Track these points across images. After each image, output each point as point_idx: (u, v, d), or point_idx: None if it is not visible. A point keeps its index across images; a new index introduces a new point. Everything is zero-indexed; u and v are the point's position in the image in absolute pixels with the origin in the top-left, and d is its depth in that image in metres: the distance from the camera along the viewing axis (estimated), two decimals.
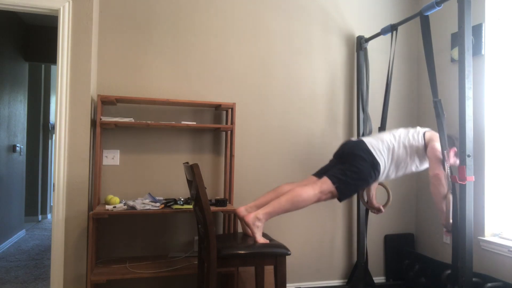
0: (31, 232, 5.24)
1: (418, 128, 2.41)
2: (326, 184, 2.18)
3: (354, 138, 2.43)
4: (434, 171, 2.21)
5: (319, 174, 2.40)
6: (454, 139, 2.41)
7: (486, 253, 2.61)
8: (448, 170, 2.17)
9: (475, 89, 2.71)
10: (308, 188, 2.16)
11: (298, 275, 3.07)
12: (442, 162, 2.19)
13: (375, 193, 2.72)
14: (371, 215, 3.19)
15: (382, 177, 2.34)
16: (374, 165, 2.24)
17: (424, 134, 2.34)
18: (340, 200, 2.23)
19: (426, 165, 2.39)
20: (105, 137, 2.70)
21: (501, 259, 2.51)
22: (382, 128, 2.85)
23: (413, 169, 2.39)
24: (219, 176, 2.91)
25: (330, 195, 2.20)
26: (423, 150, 2.32)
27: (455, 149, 2.37)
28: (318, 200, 2.18)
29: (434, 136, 2.30)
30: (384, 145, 2.30)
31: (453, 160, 2.39)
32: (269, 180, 3.01)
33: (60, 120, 2.45)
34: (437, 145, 2.23)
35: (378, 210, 2.68)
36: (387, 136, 2.37)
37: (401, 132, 2.39)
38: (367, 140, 2.34)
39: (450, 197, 2.18)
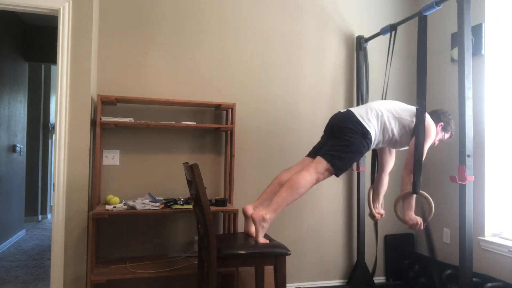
0: (31, 232, 5.24)
1: (413, 107, 2.35)
2: (320, 163, 2.17)
3: (343, 110, 2.40)
4: (403, 170, 2.31)
5: (313, 154, 2.37)
6: (440, 114, 2.41)
7: (486, 253, 2.61)
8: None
9: (475, 89, 2.71)
10: (304, 172, 2.14)
11: (298, 275, 3.07)
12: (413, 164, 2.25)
13: (382, 199, 2.64)
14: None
15: (374, 145, 2.32)
16: (364, 134, 2.22)
17: (416, 116, 2.29)
18: (337, 175, 2.22)
19: (405, 147, 2.41)
20: (105, 137, 2.70)
21: (501, 259, 2.51)
22: None
23: (404, 134, 2.33)
24: (219, 176, 2.91)
25: (328, 173, 2.19)
26: (410, 133, 2.30)
27: (442, 123, 2.40)
28: (318, 181, 2.18)
29: (427, 129, 2.27)
30: (372, 113, 2.28)
31: (441, 135, 2.41)
32: (269, 180, 3.00)
33: (60, 120, 2.45)
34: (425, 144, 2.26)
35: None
36: (376, 104, 2.34)
37: (394, 104, 2.36)
38: (356, 110, 2.31)
39: (412, 196, 2.27)
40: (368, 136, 2.23)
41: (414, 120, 2.28)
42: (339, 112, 2.37)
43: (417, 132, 2.24)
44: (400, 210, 2.42)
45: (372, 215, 2.63)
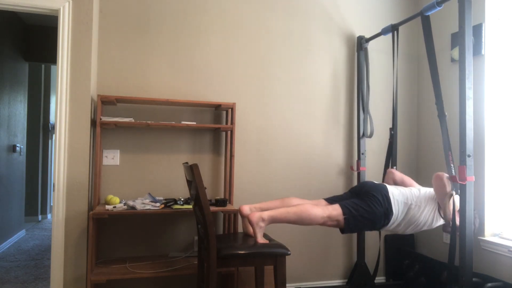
0: (31, 232, 5.24)
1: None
2: (336, 211, 2.19)
3: (377, 182, 2.43)
4: (436, 173, 2.25)
5: (331, 200, 2.42)
6: None
7: (486, 253, 2.61)
8: (453, 172, 2.18)
9: (475, 89, 2.71)
10: (318, 208, 2.16)
11: (298, 275, 3.07)
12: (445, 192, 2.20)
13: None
14: None
15: (390, 227, 2.32)
16: (387, 212, 2.24)
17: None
18: (342, 232, 2.25)
19: (440, 222, 2.36)
20: (105, 137, 2.70)
21: (501, 259, 2.51)
22: (394, 129, 2.83)
23: (425, 228, 2.34)
24: (219, 176, 2.91)
25: (336, 223, 2.21)
26: (436, 211, 2.30)
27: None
28: (323, 224, 2.19)
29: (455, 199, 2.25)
30: (403, 198, 2.29)
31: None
32: (269, 180, 3.01)
33: (60, 120, 2.45)
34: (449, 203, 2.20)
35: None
36: (408, 191, 2.35)
37: (421, 189, 2.37)
38: (390, 187, 2.33)
39: (453, 197, 2.18)
40: (388, 216, 2.24)
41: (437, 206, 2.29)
42: (373, 181, 2.42)
43: (442, 132, 2.22)
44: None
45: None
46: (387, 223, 2.26)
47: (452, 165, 2.19)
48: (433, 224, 2.35)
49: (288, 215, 2.12)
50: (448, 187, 2.20)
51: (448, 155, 2.20)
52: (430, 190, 2.38)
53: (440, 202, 2.23)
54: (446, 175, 2.22)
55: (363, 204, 2.23)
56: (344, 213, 2.18)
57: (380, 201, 2.23)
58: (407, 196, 2.31)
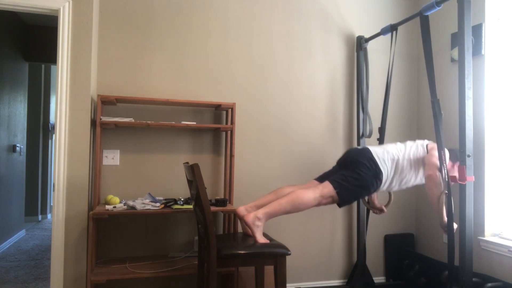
0: (31, 232, 5.24)
1: (422, 140, 2.40)
2: (327, 188, 2.19)
3: (359, 146, 2.43)
4: (428, 171, 2.23)
5: (321, 178, 2.41)
6: (458, 153, 2.39)
7: (486, 253, 2.61)
8: (445, 171, 2.17)
9: (475, 89, 2.71)
10: (309, 191, 2.16)
11: (298, 275, 3.07)
12: (438, 166, 2.20)
13: (376, 194, 2.71)
14: (371, 214, 3.19)
15: (383, 187, 2.33)
16: (376, 173, 2.24)
17: (427, 145, 2.34)
18: (340, 205, 2.25)
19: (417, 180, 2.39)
20: (105, 137, 2.70)
21: (501, 259, 2.51)
22: (382, 128, 2.85)
23: (417, 181, 2.38)
24: (219, 176, 2.91)
25: (331, 199, 2.20)
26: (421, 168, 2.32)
27: (458, 163, 2.34)
28: (319, 204, 2.19)
29: (435, 145, 2.29)
30: (389, 155, 2.30)
31: (455, 173, 2.36)
32: (269, 180, 3.01)
33: (60, 120, 2.45)
34: (436, 153, 2.23)
35: (380, 211, 2.66)
36: (392, 147, 2.36)
37: (407, 145, 2.38)
38: (372, 148, 2.33)
39: (444, 197, 2.18)
40: (379, 177, 2.25)
41: (425, 152, 2.31)
42: (356, 147, 2.41)
43: (436, 133, 2.23)
44: (369, 198, 2.50)
45: (373, 206, 2.68)
46: (380, 184, 2.27)
47: (444, 165, 2.19)
48: (421, 179, 2.36)
49: (281, 206, 2.11)
50: (441, 187, 2.20)
51: (441, 155, 2.20)
52: (416, 143, 2.38)
53: (434, 202, 2.24)
54: (439, 174, 2.22)
55: (351, 174, 2.23)
56: (335, 188, 2.18)
57: (367, 165, 2.23)
58: (392, 152, 2.31)
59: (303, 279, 3.08)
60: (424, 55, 2.36)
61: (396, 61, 3.33)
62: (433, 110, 2.27)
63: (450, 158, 2.34)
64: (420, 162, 2.32)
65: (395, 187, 2.37)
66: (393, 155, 2.30)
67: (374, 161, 2.25)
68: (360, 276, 3.03)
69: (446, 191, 2.18)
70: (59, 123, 2.45)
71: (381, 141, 2.89)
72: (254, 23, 3.01)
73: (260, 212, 2.09)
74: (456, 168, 2.36)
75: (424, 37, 2.37)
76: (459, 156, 2.28)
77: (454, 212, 2.95)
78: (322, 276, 3.12)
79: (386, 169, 2.27)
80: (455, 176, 2.16)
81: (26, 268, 3.60)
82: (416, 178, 2.36)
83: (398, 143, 2.42)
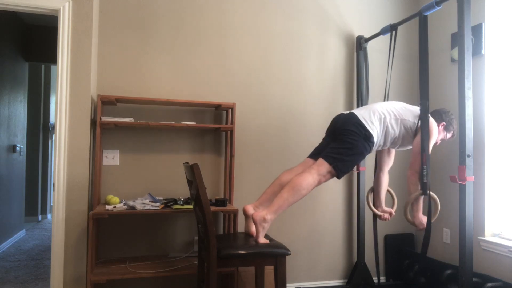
0: (31, 232, 5.24)
1: (417, 107, 2.36)
2: (322, 165, 2.17)
3: (345, 111, 2.40)
4: (409, 171, 2.28)
5: (314, 155, 2.37)
6: (442, 113, 2.41)
7: (486, 253, 2.61)
8: (425, 172, 2.21)
9: (475, 89, 2.71)
10: (306, 174, 2.14)
11: (298, 275, 3.07)
12: (420, 161, 2.22)
13: (384, 198, 2.67)
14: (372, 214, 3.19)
15: (378, 148, 2.33)
16: (367, 137, 2.22)
17: (419, 120, 2.30)
18: (338, 177, 2.23)
19: (408, 146, 2.41)
20: (105, 137, 2.70)
21: (501, 259, 2.51)
22: None
23: (410, 140, 2.36)
24: (219, 176, 2.91)
25: (329, 175, 2.19)
26: (412, 134, 2.31)
27: (444, 123, 2.39)
28: (319, 183, 2.18)
29: (430, 128, 2.27)
30: (375, 115, 2.27)
31: (443, 134, 2.41)
32: (269, 180, 3.00)
33: (60, 120, 2.45)
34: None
35: (390, 214, 2.61)
36: (379, 106, 2.34)
37: (396, 105, 2.35)
38: (358, 112, 2.30)
39: (414, 196, 2.24)
40: (370, 139, 2.23)
41: (417, 121, 2.29)
42: (341, 114, 2.37)
43: (422, 132, 2.23)
44: (410, 213, 2.39)
45: (377, 216, 2.64)
46: (373, 146, 2.26)
47: (424, 166, 2.21)
48: (406, 145, 2.38)
49: (285, 200, 2.10)
50: (418, 187, 2.24)
51: (423, 156, 2.21)
52: (407, 107, 2.36)
53: (408, 197, 2.28)
54: (415, 178, 2.25)
55: (342, 144, 2.21)
56: (330, 163, 2.17)
57: (355, 131, 2.21)
58: (379, 111, 2.29)
59: (303, 279, 3.08)
60: (419, 55, 2.37)
61: (396, 61, 3.33)
62: (420, 112, 2.27)
63: (436, 120, 2.34)
64: (408, 128, 2.31)
65: (388, 145, 2.36)
66: (379, 114, 2.28)
67: (362, 125, 2.23)
68: (360, 276, 3.03)
69: (421, 192, 2.23)
70: (59, 123, 2.45)
71: None
72: (254, 23, 3.01)
73: (268, 214, 2.08)
74: (441, 128, 2.38)
75: (422, 37, 2.36)
76: (443, 117, 2.34)
77: (454, 211, 2.94)
78: (322, 276, 3.12)
79: (375, 130, 2.25)
80: (455, 176, 2.16)
81: (26, 268, 3.60)
82: (411, 129, 2.31)
83: (388, 102, 2.39)
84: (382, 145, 2.35)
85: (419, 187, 2.25)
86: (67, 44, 2.47)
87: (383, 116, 2.28)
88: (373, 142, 2.24)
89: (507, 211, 2.63)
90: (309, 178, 2.13)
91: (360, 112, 2.30)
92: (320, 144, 2.44)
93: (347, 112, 2.35)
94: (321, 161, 2.19)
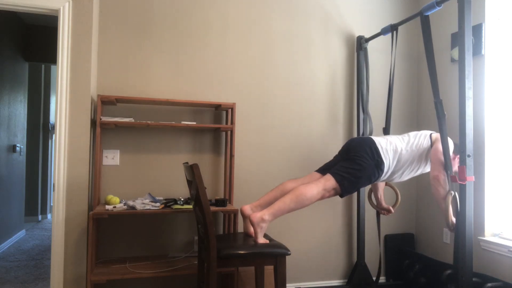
0: (31, 232, 5.24)
1: (426, 131, 2.41)
2: (329, 181, 2.19)
3: (363, 136, 2.42)
4: (434, 172, 2.22)
5: (323, 170, 2.40)
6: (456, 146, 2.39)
7: (486, 253, 2.61)
8: (450, 170, 2.17)
9: (475, 89, 2.71)
10: (312, 186, 2.16)
11: (298, 275, 3.07)
12: (443, 164, 2.19)
13: (383, 194, 2.70)
14: (372, 214, 3.19)
15: (384, 177, 2.34)
16: (378, 163, 2.24)
17: (430, 135, 2.34)
18: (341, 196, 2.25)
19: (421, 169, 2.41)
20: (105, 137, 2.70)
21: (501, 259, 2.51)
22: (386, 128, 2.83)
23: (418, 172, 2.39)
24: (219, 176, 2.91)
25: (334, 192, 2.21)
26: (429, 152, 2.32)
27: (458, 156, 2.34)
28: (322, 198, 2.19)
29: (439, 137, 2.29)
30: (391, 146, 2.30)
31: (456, 166, 2.37)
32: (269, 180, 3.01)
33: (60, 120, 2.45)
34: (440, 147, 2.22)
35: (388, 211, 2.66)
36: (395, 138, 2.37)
37: (411, 136, 2.38)
38: (376, 138, 2.34)
39: (450, 198, 2.17)
40: (381, 167, 2.25)
41: (429, 137, 2.32)
42: (359, 137, 2.41)
43: (441, 132, 2.21)
44: (376, 199, 2.50)
45: (380, 207, 2.68)
46: (381, 174, 2.27)
47: (450, 163, 2.18)
48: (426, 167, 2.37)
49: (286, 205, 2.11)
50: (447, 188, 2.20)
51: (447, 154, 2.19)
52: (420, 134, 2.37)
53: (440, 202, 2.23)
54: (443, 176, 2.21)
55: (352, 164, 2.23)
56: (337, 181, 2.18)
57: (369, 154, 2.23)
58: (395, 143, 2.31)
59: (303, 279, 3.08)
60: (426, 55, 2.36)
61: (396, 61, 3.33)
62: (437, 111, 2.27)
63: (453, 151, 2.33)
64: (423, 154, 2.32)
65: (396, 178, 2.37)
66: (395, 146, 2.30)
67: (377, 150, 2.25)
68: (360, 276, 3.03)
69: (452, 192, 2.18)
70: (59, 123, 2.45)
71: None
72: (254, 23, 3.01)
73: (266, 214, 2.08)
74: (457, 161, 2.35)
75: (425, 37, 2.36)
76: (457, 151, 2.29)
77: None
78: (322, 276, 3.12)
79: (388, 159, 2.27)
80: (455, 176, 2.16)
81: (26, 268, 3.60)
82: (418, 170, 2.36)
83: (402, 135, 2.41)
84: (388, 176, 2.35)
85: (447, 186, 2.19)
86: (67, 44, 2.47)
87: (399, 149, 2.30)
88: (382, 170, 2.26)
89: (507, 211, 2.63)
90: (314, 190, 2.15)
91: (378, 139, 2.33)
92: (331, 161, 2.48)
93: (364, 136, 2.39)
94: (329, 176, 2.21)
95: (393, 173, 2.33)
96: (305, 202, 2.13)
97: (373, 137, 2.35)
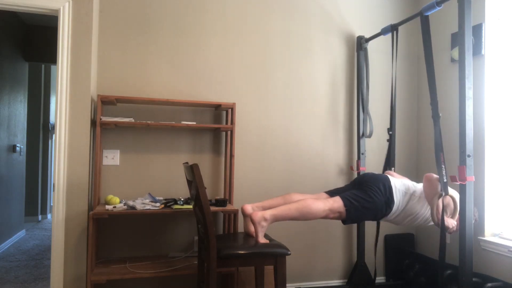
0: (31, 232, 5.24)
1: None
2: (337, 203, 2.20)
3: (378, 173, 2.44)
4: (426, 174, 2.28)
5: (332, 193, 2.42)
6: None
7: (486, 253, 2.61)
8: (444, 173, 2.18)
9: (475, 89, 2.71)
10: (319, 202, 2.17)
11: (298, 275, 3.07)
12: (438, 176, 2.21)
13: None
14: None
15: (390, 217, 2.33)
16: (388, 201, 2.24)
17: (444, 195, 2.21)
18: (344, 223, 2.25)
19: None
20: (105, 137, 2.70)
21: (501, 259, 2.51)
22: (391, 129, 2.83)
23: (421, 222, 2.38)
24: (219, 176, 2.91)
25: (338, 215, 2.21)
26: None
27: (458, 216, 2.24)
28: (325, 217, 2.20)
29: (450, 201, 2.23)
30: (405, 188, 2.30)
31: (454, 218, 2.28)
32: (269, 180, 3.01)
33: (60, 120, 2.45)
34: (440, 207, 2.18)
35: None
36: (411, 182, 2.38)
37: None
38: (392, 178, 2.34)
39: (436, 198, 2.19)
40: (390, 205, 2.25)
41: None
42: (373, 173, 2.42)
43: (435, 130, 2.22)
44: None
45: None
46: (389, 212, 2.26)
47: (443, 166, 2.19)
48: (428, 220, 2.36)
49: (290, 212, 2.12)
50: (437, 188, 2.21)
51: (440, 156, 2.20)
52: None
53: (429, 201, 2.25)
54: (435, 176, 2.24)
55: (363, 195, 2.23)
56: (345, 205, 2.19)
57: (381, 190, 2.23)
58: (408, 186, 2.31)
59: (303, 279, 3.08)
60: (425, 56, 2.36)
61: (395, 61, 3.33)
62: (432, 113, 2.28)
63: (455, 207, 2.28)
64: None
65: (399, 221, 2.36)
66: (408, 189, 2.30)
67: (390, 188, 2.26)
68: (360, 276, 3.03)
69: (443, 193, 2.19)
70: (59, 123, 2.45)
71: (391, 142, 2.84)
72: (254, 23, 3.01)
73: (268, 213, 2.09)
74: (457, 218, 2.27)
75: (425, 37, 2.36)
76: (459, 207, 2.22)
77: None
78: (322, 276, 3.12)
79: (399, 199, 2.27)
80: (455, 176, 2.16)
81: (26, 268, 3.60)
82: (423, 217, 2.35)
83: (415, 183, 2.40)
84: (394, 218, 2.33)
85: (439, 187, 2.20)
86: (67, 44, 2.47)
87: (411, 192, 2.30)
88: (391, 209, 2.26)
89: (507, 211, 2.63)
90: (321, 207, 2.15)
91: (393, 179, 2.33)
92: (341, 187, 2.51)
93: (380, 173, 2.39)
94: (338, 198, 2.22)
95: (398, 215, 2.31)
96: (308, 216, 2.14)
97: (389, 176, 2.35)
